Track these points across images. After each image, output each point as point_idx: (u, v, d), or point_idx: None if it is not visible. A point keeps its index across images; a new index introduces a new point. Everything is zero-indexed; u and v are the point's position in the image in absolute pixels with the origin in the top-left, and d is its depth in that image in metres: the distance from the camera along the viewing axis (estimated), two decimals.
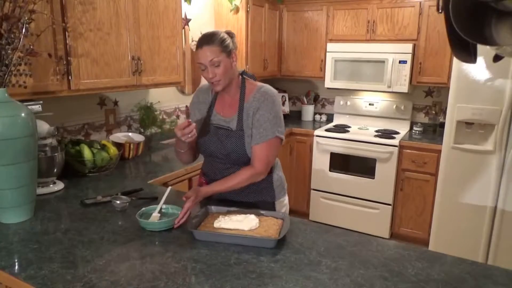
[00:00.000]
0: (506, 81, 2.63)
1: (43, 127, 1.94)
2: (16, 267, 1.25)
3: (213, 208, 1.63)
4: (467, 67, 2.75)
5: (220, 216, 1.54)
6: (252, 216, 1.53)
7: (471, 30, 0.70)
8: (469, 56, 0.80)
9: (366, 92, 4.14)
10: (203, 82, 3.67)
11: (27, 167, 1.57)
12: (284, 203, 1.86)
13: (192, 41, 3.48)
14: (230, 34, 1.67)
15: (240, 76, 1.74)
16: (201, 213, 1.56)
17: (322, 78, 4.06)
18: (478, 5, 0.69)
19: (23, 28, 1.54)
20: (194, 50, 3.46)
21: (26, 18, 1.55)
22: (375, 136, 3.69)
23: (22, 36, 1.54)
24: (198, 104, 1.82)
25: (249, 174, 1.65)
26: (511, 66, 2.59)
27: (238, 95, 1.71)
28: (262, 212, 1.59)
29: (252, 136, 1.66)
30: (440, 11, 0.76)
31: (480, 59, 2.67)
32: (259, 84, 1.73)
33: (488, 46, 0.73)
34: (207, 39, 1.59)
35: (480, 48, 0.85)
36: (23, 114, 1.55)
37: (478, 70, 2.72)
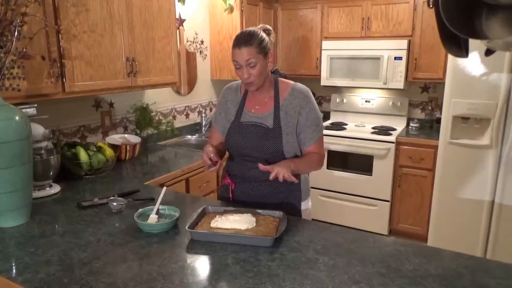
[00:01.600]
0: (501, 75, 2.63)
1: (38, 130, 1.93)
2: (13, 271, 1.25)
3: (210, 208, 1.62)
4: (462, 62, 2.75)
5: (217, 216, 1.53)
6: (249, 215, 1.52)
7: (461, 24, 0.70)
8: (461, 50, 0.80)
9: (362, 89, 4.14)
10: (200, 82, 3.68)
11: (23, 170, 1.56)
12: (308, 204, 1.82)
13: (187, 41, 3.47)
14: (267, 31, 1.65)
15: (272, 74, 1.73)
16: (198, 213, 1.56)
17: (318, 76, 4.06)
18: None
19: (15, 31, 1.53)
20: (184, 50, 3.45)
21: (19, 21, 1.55)
22: (372, 133, 3.69)
23: (15, 39, 1.53)
24: (226, 103, 1.79)
25: (318, 159, 1.69)
26: (506, 60, 2.60)
27: (271, 93, 1.70)
28: (258, 211, 1.58)
29: (304, 135, 1.66)
30: (431, 6, 0.76)
31: (474, 54, 2.68)
32: (292, 82, 1.73)
33: (479, 40, 0.73)
34: (245, 39, 1.55)
35: (475, 42, 0.85)
36: (17, 118, 1.54)
37: (473, 65, 2.73)
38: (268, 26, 1.69)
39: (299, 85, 1.72)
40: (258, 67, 1.57)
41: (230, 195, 1.78)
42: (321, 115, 1.74)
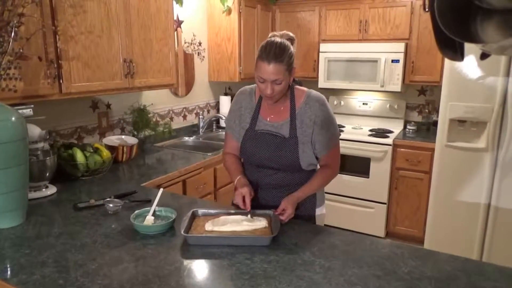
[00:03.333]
0: (497, 78, 2.64)
1: (35, 131, 1.92)
2: (8, 272, 1.24)
3: (199, 211, 1.61)
4: (459, 65, 2.76)
5: (210, 220, 1.53)
6: (242, 217, 1.53)
7: (456, 28, 0.70)
8: (456, 54, 0.81)
9: (359, 92, 4.15)
10: (197, 84, 3.68)
11: (18, 171, 1.56)
12: (323, 210, 1.81)
13: (185, 42, 3.47)
14: (291, 40, 1.58)
15: None
16: (188, 217, 1.54)
17: (316, 78, 4.07)
18: (463, 2, 0.69)
19: (12, 31, 1.53)
20: (181, 51, 3.45)
21: (15, 22, 1.55)
22: (369, 135, 3.70)
23: (12, 40, 1.53)
24: (240, 110, 1.72)
25: (329, 174, 1.70)
26: (502, 64, 2.61)
27: (287, 101, 1.64)
28: (250, 211, 1.58)
29: (319, 145, 1.63)
30: (426, 9, 0.76)
31: (470, 58, 2.70)
32: (307, 89, 1.68)
33: (474, 44, 0.73)
34: (275, 54, 1.47)
35: (471, 46, 0.85)
36: (13, 118, 1.54)
37: (470, 68, 2.74)
38: (291, 34, 1.61)
39: (314, 92, 1.66)
40: (283, 84, 1.52)
41: (244, 205, 1.71)
42: (336, 122, 1.69)
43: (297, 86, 1.70)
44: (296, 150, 1.61)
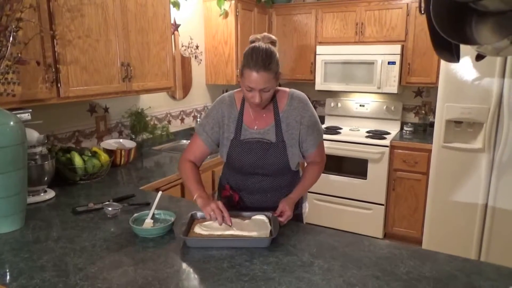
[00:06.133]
0: (493, 79, 2.66)
1: (33, 135, 1.92)
2: (7, 277, 1.24)
3: (198, 214, 1.60)
4: (455, 66, 2.78)
5: (208, 222, 1.53)
6: (239, 220, 1.53)
7: (451, 30, 0.71)
8: (452, 56, 0.82)
9: (356, 94, 4.17)
10: (195, 87, 3.69)
11: (17, 176, 1.56)
12: (307, 206, 1.85)
13: (182, 46, 3.48)
14: (273, 42, 1.54)
15: None
16: (187, 220, 1.54)
17: (313, 81, 4.08)
18: (458, 5, 0.70)
19: (10, 36, 1.53)
20: (179, 54, 3.46)
21: (14, 27, 1.55)
22: (367, 137, 3.71)
23: (10, 45, 1.53)
24: (223, 120, 1.65)
25: (318, 171, 1.73)
26: (497, 65, 2.63)
27: (270, 105, 1.62)
28: (247, 213, 1.58)
29: (307, 143, 1.64)
30: (422, 12, 0.78)
31: (466, 59, 2.71)
32: (287, 89, 1.66)
33: (469, 46, 0.74)
34: (264, 62, 1.43)
35: (467, 47, 0.86)
36: (11, 123, 1.54)
37: (466, 69, 2.76)
38: (273, 37, 1.57)
39: (296, 92, 1.66)
40: (272, 91, 1.50)
41: (236, 206, 1.73)
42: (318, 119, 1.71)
43: (278, 87, 1.65)
44: (285, 153, 1.61)
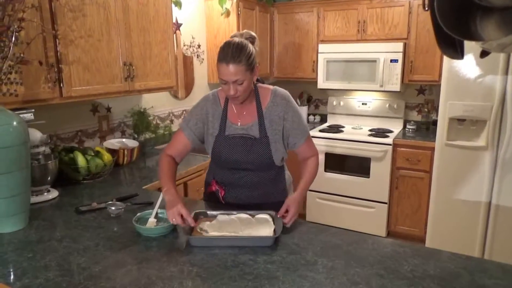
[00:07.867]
0: (496, 77, 2.65)
1: (36, 135, 1.93)
2: (11, 276, 1.24)
3: (201, 213, 1.61)
4: (458, 64, 2.77)
5: (211, 221, 1.53)
6: (243, 218, 1.53)
7: (456, 26, 0.71)
8: (456, 52, 0.81)
9: (358, 92, 4.16)
10: (197, 86, 3.69)
11: (20, 175, 1.56)
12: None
13: (184, 45, 3.48)
14: (251, 38, 1.58)
15: None
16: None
17: (315, 79, 4.08)
18: (462, 1, 0.70)
19: (12, 36, 1.53)
20: (181, 54, 3.45)
21: (16, 27, 1.55)
22: (369, 135, 3.70)
23: (12, 45, 1.53)
24: (207, 116, 1.70)
25: (315, 164, 1.75)
26: (501, 62, 2.62)
27: (253, 102, 1.67)
28: (250, 213, 1.59)
29: (293, 138, 1.68)
30: (426, 8, 0.77)
31: (470, 56, 2.70)
32: (271, 87, 1.71)
33: (474, 42, 0.74)
34: (233, 55, 1.47)
35: (470, 44, 0.86)
36: (14, 123, 1.54)
37: (469, 67, 2.75)
38: (253, 33, 1.62)
39: (279, 89, 1.70)
40: (246, 83, 1.52)
41: (222, 201, 1.78)
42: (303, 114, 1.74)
43: (261, 84, 1.72)
44: (269, 149, 1.65)
